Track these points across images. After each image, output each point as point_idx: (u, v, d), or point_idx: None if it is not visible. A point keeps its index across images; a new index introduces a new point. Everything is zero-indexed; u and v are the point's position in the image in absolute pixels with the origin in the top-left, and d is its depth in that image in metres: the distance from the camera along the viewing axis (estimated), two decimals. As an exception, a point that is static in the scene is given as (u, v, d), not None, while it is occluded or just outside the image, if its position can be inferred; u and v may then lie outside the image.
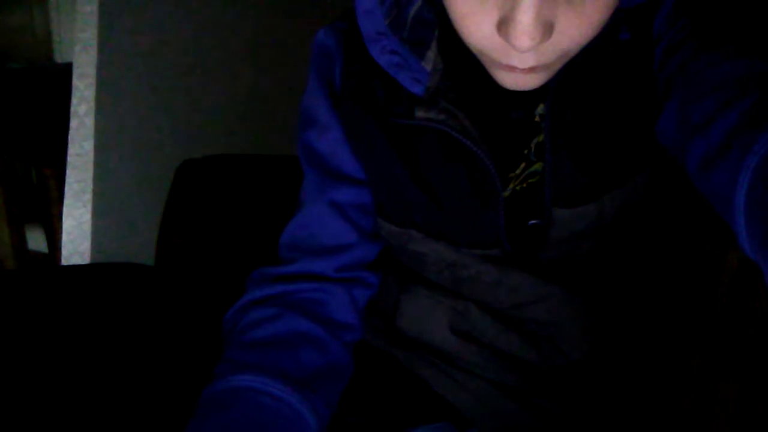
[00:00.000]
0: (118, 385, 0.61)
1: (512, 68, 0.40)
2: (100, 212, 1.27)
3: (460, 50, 0.45)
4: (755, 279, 0.52)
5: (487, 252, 0.52)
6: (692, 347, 0.56)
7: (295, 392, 0.48)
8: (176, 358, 0.64)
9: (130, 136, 1.30)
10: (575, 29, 0.37)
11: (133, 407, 0.59)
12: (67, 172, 1.27)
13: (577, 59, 0.42)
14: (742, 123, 0.35)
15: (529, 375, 0.54)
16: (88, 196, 1.26)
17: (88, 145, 1.25)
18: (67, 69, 1.29)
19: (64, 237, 1.28)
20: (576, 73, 0.45)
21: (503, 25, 0.37)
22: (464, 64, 0.48)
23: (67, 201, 1.28)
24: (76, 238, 1.27)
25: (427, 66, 0.48)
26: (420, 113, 0.48)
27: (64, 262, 1.29)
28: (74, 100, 1.25)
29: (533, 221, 0.50)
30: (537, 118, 0.49)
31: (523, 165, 0.50)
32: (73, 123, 1.25)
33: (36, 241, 1.68)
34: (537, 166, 0.49)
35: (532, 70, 0.40)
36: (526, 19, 0.35)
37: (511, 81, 0.42)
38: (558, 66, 0.42)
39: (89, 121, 1.24)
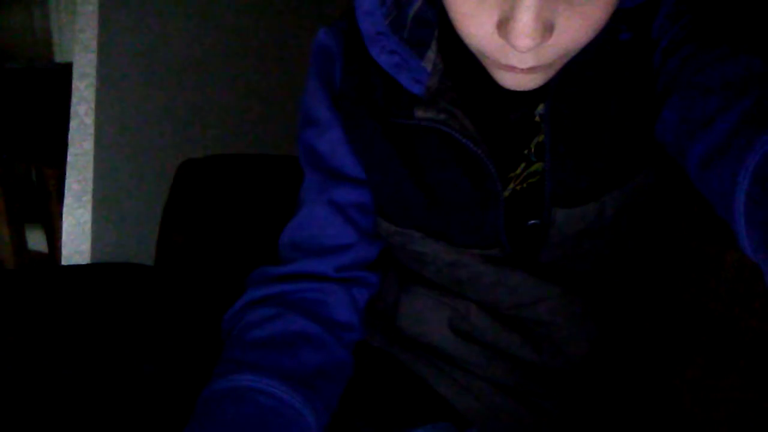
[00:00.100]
0: (118, 385, 0.61)
1: (512, 68, 0.40)
2: (100, 212, 1.27)
3: (460, 50, 0.45)
4: (755, 279, 0.52)
5: (487, 252, 0.52)
6: (692, 347, 0.56)
7: (294, 392, 0.48)
8: (176, 358, 0.64)
9: (130, 136, 1.30)
10: (575, 29, 0.37)
11: (133, 407, 0.59)
12: (67, 172, 1.27)
13: (577, 59, 0.42)
14: (742, 123, 0.35)
15: (530, 375, 0.54)
16: (88, 196, 1.26)
17: (88, 145, 1.25)
18: (67, 69, 1.29)
19: (64, 237, 1.28)
20: (576, 73, 0.45)
21: (503, 25, 0.37)
22: (464, 64, 0.48)
23: (67, 201, 1.28)
24: (76, 238, 1.27)
25: (427, 66, 0.48)
26: (420, 113, 0.48)
27: (64, 261, 1.29)
28: (74, 100, 1.25)
29: (533, 221, 0.50)
30: (537, 118, 0.49)
31: (523, 165, 0.50)
32: (73, 123, 1.25)
33: (36, 240, 1.68)
34: (537, 166, 0.49)
35: (532, 70, 0.40)
36: (526, 19, 0.35)
37: (511, 81, 0.42)
38: (558, 66, 0.42)
39: (89, 121, 1.24)
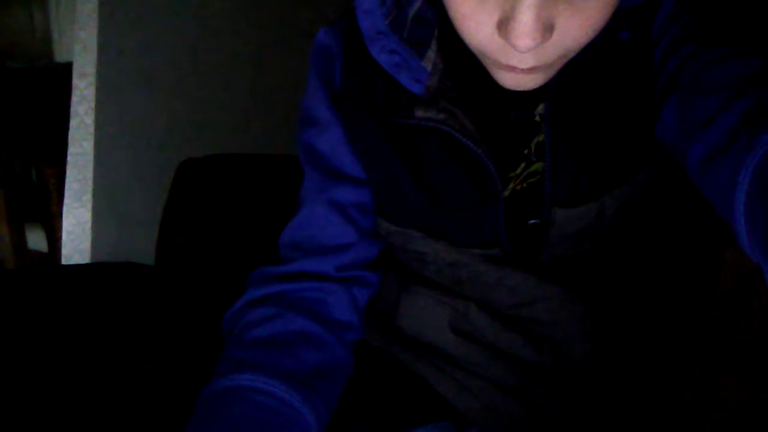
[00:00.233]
0: (118, 384, 0.61)
1: (512, 68, 0.40)
2: (100, 211, 1.27)
3: (460, 50, 0.45)
4: (755, 279, 0.52)
5: (487, 252, 0.52)
6: (692, 347, 0.56)
7: (294, 391, 0.48)
8: (176, 358, 0.64)
9: (130, 135, 1.30)
10: (575, 29, 0.37)
11: (133, 407, 0.59)
12: (67, 171, 1.27)
13: (577, 59, 0.42)
14: (742, 122, 0.35)
15: (530, 375, 0.54)
16: (88, 196, 1.26)
17: (88, 145, 1.25)
18: (67, 69, 1.29)
19: (64, 236, 1.28)
20: (576, 73, 0.45)
21: (503, 25, 0.37)
22: (464, 64, 0.48)
23: (67, 200, 1.28)
24: (76, 238, 1.27)
25: (427, 65, 0.48)
26: (420, 113, 0.48)
27: (64, 261, 1.29)
28: (74, 100, 1.25)
29: (533, 221, 0.50)
30: (537, 118, 0.49)
31: (523, 165, 0.50)
32: (73, 122, 1.25)
33: (36, 240, 1.68)
34: (537, 166, 0.49)
35: (532, 70, 0.40)
36: (526, 19, 0.35)
37: (511, 81, 0.42)
38: (558, 66, 0.42)
39: (89, 121, 1.24)
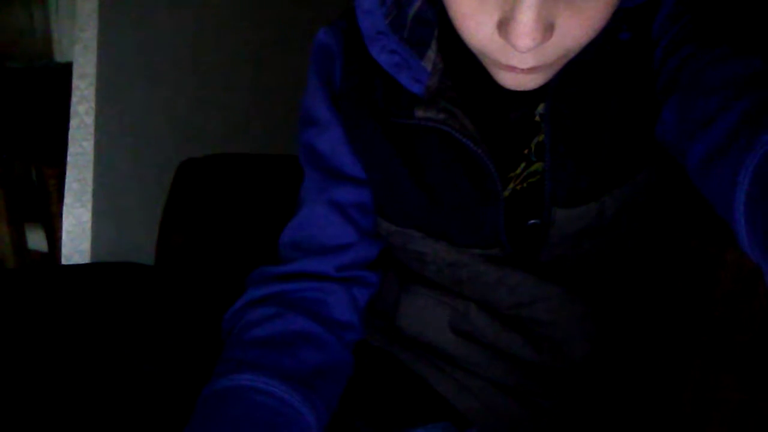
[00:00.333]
0: (118, 384, 0.61)
1: (512, 68, 0.40)
2: (100, 211, 1.27)
3: (460, 50, 0.45)
4: (755, 279, 0.52)
5: (487, 252, 0.52)
6: (692, 347, 0.56)
7: (294, 391, 0.48)
8: (176, 358, 0.64)
9: (130, 135, 1.30)
10: (576, 29, 0.37)
11: (133, 407, 0.59)
12: (67, 171, 1.27)
13: (577, 59, 0.42)
14: (742, 122, 0.35)
15: (530, 375, 0.54)
16: (88, 196, 1.26)
17: (88, 145, 1.25)
18: (67, 69, 1.29)
19: (64, 236, 1.28)
20: (576, 73, 0.45)
21: (503, 25, 0.37)
22: (464, 64, 0.48)
23: (67, 200, 1.28)
24: (76, 238, 1.27)
25: (427, 65, 0.48)
26: (420, 113, 0.48)
27: (64, 261, 1.29)
28: (74, 100, 1.25)
29: (533, 221, 0.50)
30: (537, 118, 0.49)
31: (523, 165, 0.50)
32: (73, 122, 1.25)
33: (36, 240, 1.68)
34: (537, 166, 0.49)
35: (532, 70, 0.40)
36: (526, 19, 0.35)
37: (511, 81, 0.42)
38: (558, 66, 0.42)
39: (89, 121, 1.24)
